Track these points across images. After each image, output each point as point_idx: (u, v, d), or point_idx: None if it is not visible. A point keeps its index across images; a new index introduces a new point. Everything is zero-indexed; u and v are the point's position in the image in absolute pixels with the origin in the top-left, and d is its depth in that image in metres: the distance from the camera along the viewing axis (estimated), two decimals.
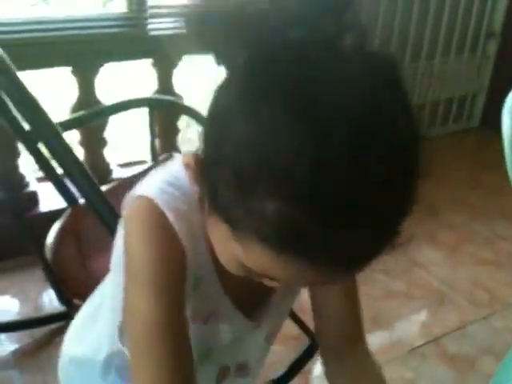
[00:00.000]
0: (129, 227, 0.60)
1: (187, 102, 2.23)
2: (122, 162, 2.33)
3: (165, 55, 2.18)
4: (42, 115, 1.10)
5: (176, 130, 2.32)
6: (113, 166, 2.26)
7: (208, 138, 0.52)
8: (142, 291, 0.58)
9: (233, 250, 0.52)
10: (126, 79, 3.02)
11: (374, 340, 1.79)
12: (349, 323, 0.75)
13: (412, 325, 1.90)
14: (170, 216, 0.58)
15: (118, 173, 2.21)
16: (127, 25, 2.07)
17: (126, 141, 2.92)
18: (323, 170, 0.43)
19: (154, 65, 2.20)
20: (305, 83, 0.45)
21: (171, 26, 2.13)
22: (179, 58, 2.21)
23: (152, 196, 0.59)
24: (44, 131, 1.11)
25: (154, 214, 0.58)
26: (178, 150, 2.27)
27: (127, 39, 2.06)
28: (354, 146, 0.44)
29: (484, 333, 1.85)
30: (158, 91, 2.21)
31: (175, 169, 0.62)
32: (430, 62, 3.01)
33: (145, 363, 0.58)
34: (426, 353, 1.75)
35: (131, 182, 1.80)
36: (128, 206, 0.61)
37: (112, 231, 1.14)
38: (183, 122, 2.37)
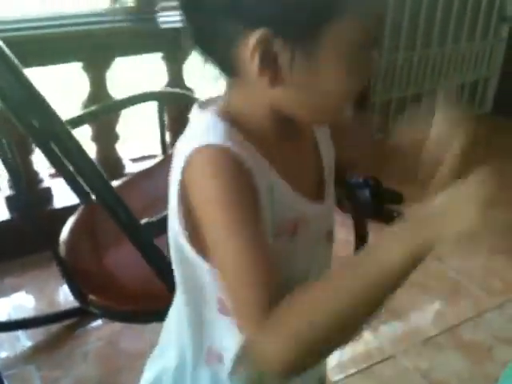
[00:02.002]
0: (202, 182, 0.60)
1: (198, 95, 2.24)
2: (134, 157, 2.34)
3: (175, 48, 2.18)
4: (49, 113, 1.10)
5: (187, 123, 2.31)
6: (125, 161, 2.27)
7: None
8: (229, 232, 0.58)
9: (331, 75, 0.59)
10: (137, 73, 3.02)
11: (390, 330, 1.79)
12: None
13: (427, 314, 1.90)
14: (231, 146, 0.59)
15: (130, 167, 2.22)
16: (137, 19, 2.06)
17: (139, 135, 2.93)
18: None
19: (165, 58, 2.20)
20: None
21: (181, 18, 2.12)
22: (189, 51, 2.21)
23: (207, 142, 0.60)
24: (52, 129, 1.11)
25: (220, 154, 0.59)
26: None
27: (137, 33, 2.06)
28: None
29: (499, 321, 1.84)
30: (169, 85, 2.21)
31: (203, 119, 0.64)
32: (441, 48, 2.98)
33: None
34: (441, 342, 1.75)
35: (143, 176, 1.80)
36: (188, 165, 0.61)
37: (125, 228, 1.15)
38: None
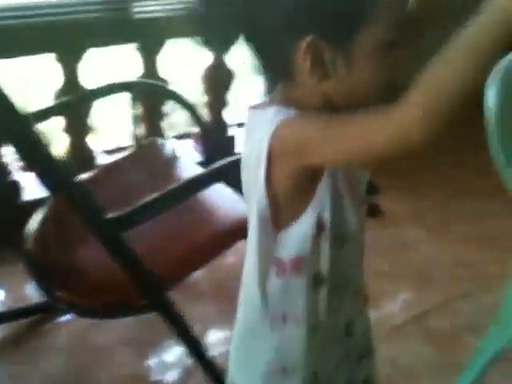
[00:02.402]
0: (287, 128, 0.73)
1: (173, 86, 2.24)
2: (106, 149, 2.33)
3: (150, 39, 2.17)
4: (9, 108, 1.08)
5: (161, 115, 2.31)
6: (97, 153, 2.26)
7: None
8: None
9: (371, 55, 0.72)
10: (111, 65, 3.00)
11: None
12: None
13: (395, 303, 1.94)
14: None
15: (102, 159, 2.21)
16: (111, 8, 2.05)
17: (112, 127, 2.91)
18: None
19: (139, 49, 2.19)
20: None
21: (156, 8, 2.11)
22: (164, 42, 2.20)
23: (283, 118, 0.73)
24: (13, 125, 1.10)
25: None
26: (162, 136, 2.27)
27: (111, 23, 2.04)
28: None
29: (466, 309, 1.88)
30: (144, 76, 2.20)
31: (269, 111, 0.76)
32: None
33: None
34: (408, 330, 1.78)
35: (113, 168, 1.79)
36: (271, 140, 0.73)
37: (89, 222, 1.14)
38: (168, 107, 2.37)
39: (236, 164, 1.19)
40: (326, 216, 0.77)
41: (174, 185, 1.21)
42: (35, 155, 1.11)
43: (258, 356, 0.86)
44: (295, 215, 0.78)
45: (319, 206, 0.77)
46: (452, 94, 0.64)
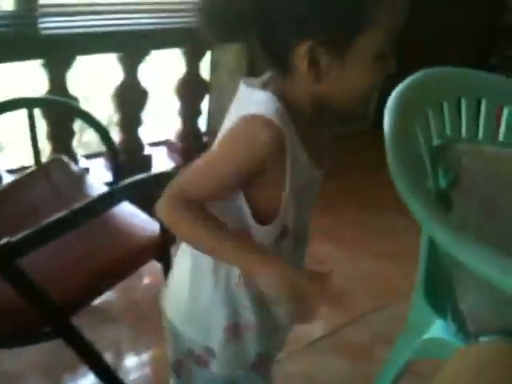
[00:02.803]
0: (239, 129, 0.82)
1: (85, 104, 2.17)
2: (10, 168, 2.22)
3: (57, 55, 2.10)
4: None
5: (70, 134, 2.24)
6: (1, 172, 2.14)
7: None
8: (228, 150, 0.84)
9: (363, 67, 0.80)
10: (18, 80, 2.88)
11: None
12: None
13: None
14: (278, 122, 0.80)
15: (6, 179, 2.10)
16: (16, 24, 1.97)
17: (17, 145, 2.78)
18: None
19: (46, 65, 2.12)
20: None
21: (64, 25, 2.06)
22: (73, 59, 2.14)
23: (262, 113, 0.80)
24: None
25: (266, 126, 0.80)
26: (72, 154, 2.20)
27: (17, 39, 1.97)
28: None
29: (379, 322, 1.93)
30: (50, 93, 2.13)
31: (260, 95, 0.84)
32: None
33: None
34: (324, 345, 1.81)
35: (13, 188, 1.71)
36: (236, 123, 0.82)
37: None
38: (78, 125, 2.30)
39: (142, 182, 1.16)
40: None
41: (74, 206, 1.16)
42: None
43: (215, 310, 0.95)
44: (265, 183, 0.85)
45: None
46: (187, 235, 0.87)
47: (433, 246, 1.23)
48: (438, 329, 1.21)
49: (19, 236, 1.09)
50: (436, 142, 1.30)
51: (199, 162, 0.85)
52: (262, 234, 0.89)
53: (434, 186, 1.25)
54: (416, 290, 1.30)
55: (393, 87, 1.29)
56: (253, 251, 0.82)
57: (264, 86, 0.87)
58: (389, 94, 1.27)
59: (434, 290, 1.25)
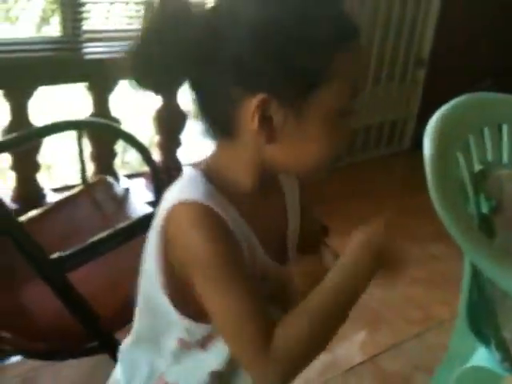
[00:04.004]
0: (184, 232, 0.67)
1: (126, 126, 2.23)
2: (56, 187, 2.28)
3: (100, 79, 2.17)
4: None
5: (112, 154, 2.30)
6: (47, 191, 2.21)
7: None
8: (223, 284, 0.67)
9: (323, 124, 0.68)
10: (65, 103, 2.98)
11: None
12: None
13: (349, 344, 1.93)
14: (211, 204, 0.68)
15: (52, 197, 2.16)
16: (62, 48, 2.05)
17: (63, 165, 2.86)
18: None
19: (90, 88, 2.19)
20: None
21: (106, 50, 2.13)
22: (115, 82, 2.21)
23: (190, 198, 0.68)
24: None
25: (203, 211, 0.67)
26: (114, 174, 2.25)
27: (62, 63, 2.04)
28: None
29: (417, 350, 1.90)
30: (94, 115, 2.19)
31: (187, 174, 0.72)
32: (361, 91, 3.11)
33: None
34: (362, 371, 1.78)
35: (60, 207, 1.75)
36: (171, 216, 0.68)
37: (33, 263, 1.11)
38: (120, 146, 2.36)
39: None
40: None
41: (120, 224, 1.19)
42: None
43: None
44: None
45: None
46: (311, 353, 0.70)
47: (475, 272, 1.21)
48: (482, 357, 1.18)
49: (70, 251, 1.13)
50: (477, 167, 1.29)
51: (221, 315, 0.69)
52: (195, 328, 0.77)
53: (476, 213, 1.24)
54: (458, 317, 1.28)
55: (431, 110, 1.29)
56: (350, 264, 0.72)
57: (202, 163, 0.75)
58: (427, 117, 1.27)
59: (477, 316, 1.23)
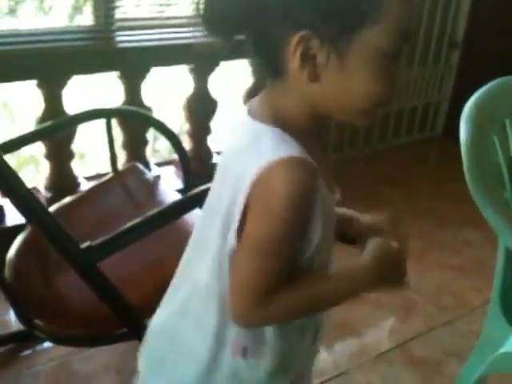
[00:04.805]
0: (276, 193, 0.67)
1: (158, 114, 2.25)
2: (89, 175, 2.32)
3: (132, 67, 2.19)
4: None
5: (143, 142, 2.32)
6: (80, 179, 2.25)
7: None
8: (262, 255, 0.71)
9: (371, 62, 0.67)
10: (98, 91, 3.01)
11: (342, 346, 1.81)
12: None
13: (380, 331, 1.93)
14: (307, 158, 0.67)
15: (85, 186, 2.20)
16: (94, 37, 2.07)
17: (95, 153, 2.90)
18: None
19: (121, 77, 2.21)
20: None
21: (139, 38, 2.14)
22: (147, 71, 2.22)
23: (286, 154, 0.66)
24: None
25: (303, 168, 0.67)
26: (145, 162, 2.27)
27: (94, 52, 2.06)
28: None
29: (449, 336, 1.88)
30: (126, 103, 2.21)
31: (263, 131, 0.71)
32: None
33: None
34: (393, 358, 1.78)
35: (93, 192, 1.77)
36: (262, 178, 0.67)
37: (63, 252, 1.13)
38: (151, 134, 2.38)
39: None
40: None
41: (151, 212, 1.20)
42: (4, 184, 1.10)
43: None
44: None
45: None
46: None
47: (509, 258, 1.19)
48: None
49: (100, 240, 1.14)
50: None
51: (249, 255, 0.72)
52: None
53: (511, 198, 1.22)
54: (491, 303, 1.26)
55: (464, 94, 1.27)
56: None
57: (262, 115, 0.73)
58: (460, 101, 1.25)
59: (510, 303, 1.21)
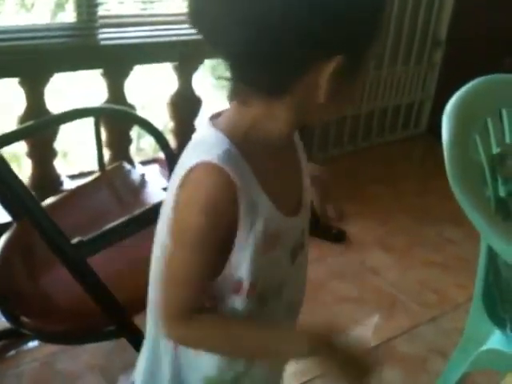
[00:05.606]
0: (191, 192, 0.70)
1: (142, 112, 2.23)
2: (72, 174, 2.30)
3: (115, 65, 2.17)
4: None
5: (128, 140, 2.31)
6: (63, 178, 2.23)
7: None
8: (189, 248, 0.72)
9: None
10: (80, 90, 2.99)
11: None
12: None
13: (364, 328, 1.94)
14: (228, 168, 0.67)
15: (68, 184, 2.18)
16: (77, 35, 2.05)
17: (78, 152, 2.88)
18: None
19: (104, 75, 2.19)
20: None
21: (122, 35, 2.13)
22: (131, 69, 2.21)
23: (209, 160, 0.68)
24: None
25: (214, 176, 0.68)
26: (129, 160, 2.26)
27: (77, 49, 2.04)
28: None
29: (433, 333, 1.90)
30: (109, 101, 2.20)
31: (203, 134, 0.73)
32: (377, 72, 3.08)
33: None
34: (377, 355, 1.78)
35: (78, 193, 1.77)
36: (187, 177, 0.69)
37: (54, 247, 1.13)
38: (134, 133, 2.37)
39: None
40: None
41: (139, 209, 1.20)
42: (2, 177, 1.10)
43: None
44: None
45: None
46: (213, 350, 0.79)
47: (491, 255, 1.20)
48: (497, 340, 1.18)
49: (90, 236, 1.14)
50: (495, 150, 1.28)
51: (169, 269, 0.75)
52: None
53: (493, 195, 1.23)
54: (474, 301, 1.28)
55: (448, 93, 1.28)
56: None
57: (222, 122, 0.74)
58: (443, 100, 1.26)
59: (492, 300, 1.23)
